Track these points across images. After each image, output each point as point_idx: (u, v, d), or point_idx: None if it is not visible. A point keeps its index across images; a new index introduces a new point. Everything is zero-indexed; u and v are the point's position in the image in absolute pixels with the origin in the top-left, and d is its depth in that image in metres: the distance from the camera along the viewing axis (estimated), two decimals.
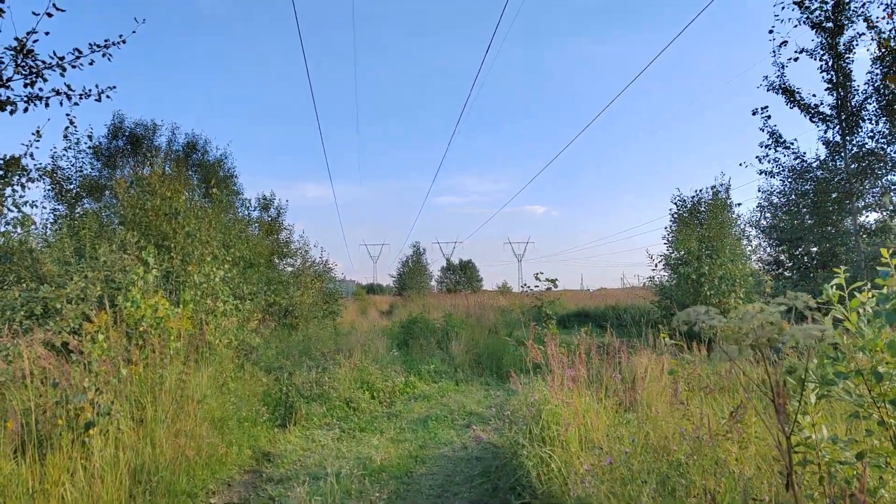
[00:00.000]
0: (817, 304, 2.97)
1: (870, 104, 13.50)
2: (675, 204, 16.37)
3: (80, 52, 5.80)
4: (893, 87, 12.67)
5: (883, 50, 12.84)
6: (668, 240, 15.92)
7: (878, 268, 2.91)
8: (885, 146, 13.55)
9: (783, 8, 13.75)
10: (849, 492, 2.63)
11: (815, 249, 15.51)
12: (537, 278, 9.67)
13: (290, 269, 18.97)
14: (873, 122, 13.61)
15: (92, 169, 18.32)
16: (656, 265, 15.80)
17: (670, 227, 16.15)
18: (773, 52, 14.38)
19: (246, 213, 18.97)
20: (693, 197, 16.12)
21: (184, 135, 20.96)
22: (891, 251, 2.98)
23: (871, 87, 13.42)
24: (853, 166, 13.90)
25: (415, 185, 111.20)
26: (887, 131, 13.39)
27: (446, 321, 15.97)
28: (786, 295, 2.42)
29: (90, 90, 6.05)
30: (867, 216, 14.67)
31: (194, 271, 8.57)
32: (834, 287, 3.13)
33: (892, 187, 13.83)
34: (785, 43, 14.09)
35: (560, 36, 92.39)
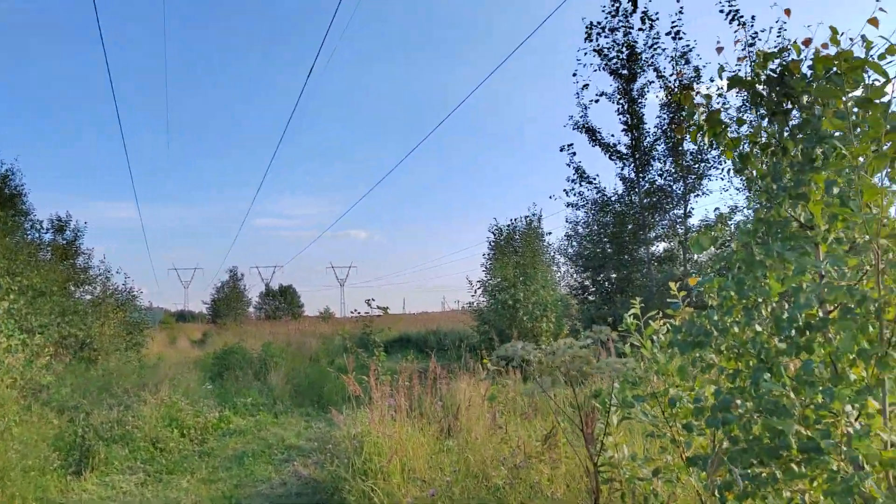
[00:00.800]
0: (619, 333, 3.24)
1: (659, 145, 15.19)
2: (493, 233, 17.15)
3: None
4: (679, 136, 14.33)
5: (669, 97, 14.50)
6: (486, 267, 16.60)
7: (669, 300, 3.22)
8: (672, 183, 15.30)
9: (585, 54, 15.13)
10: None
11: (614, 276, 17.01)
12: (369, 304, 9.66)
13: (88, 297, 17.37)
14: (662, 161, 15.32)
15: None
16: (476, 291, 16.39)
17: (488, 254, 16.87)
18: (577, 94, 15.72)
19: (36, 235, 17.57)
20: (509, 226, 16.99)
21: None
22: (678, 284, 3.32)
23: (659, 130, 15.09)
24: (645, 201, 15.49)
25: (233, 206, 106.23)
26: (673, 170, 15.12)
27: (265, 350, 15.34)
28: (592, 329, 2.61)
29: None
30: (657, 246, 16.46)
31: None
32: (631, 316, 3.42)
33: (678, 220, 15.60)
34: (587, 86, 15.48)
35: (386, 62, 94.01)
